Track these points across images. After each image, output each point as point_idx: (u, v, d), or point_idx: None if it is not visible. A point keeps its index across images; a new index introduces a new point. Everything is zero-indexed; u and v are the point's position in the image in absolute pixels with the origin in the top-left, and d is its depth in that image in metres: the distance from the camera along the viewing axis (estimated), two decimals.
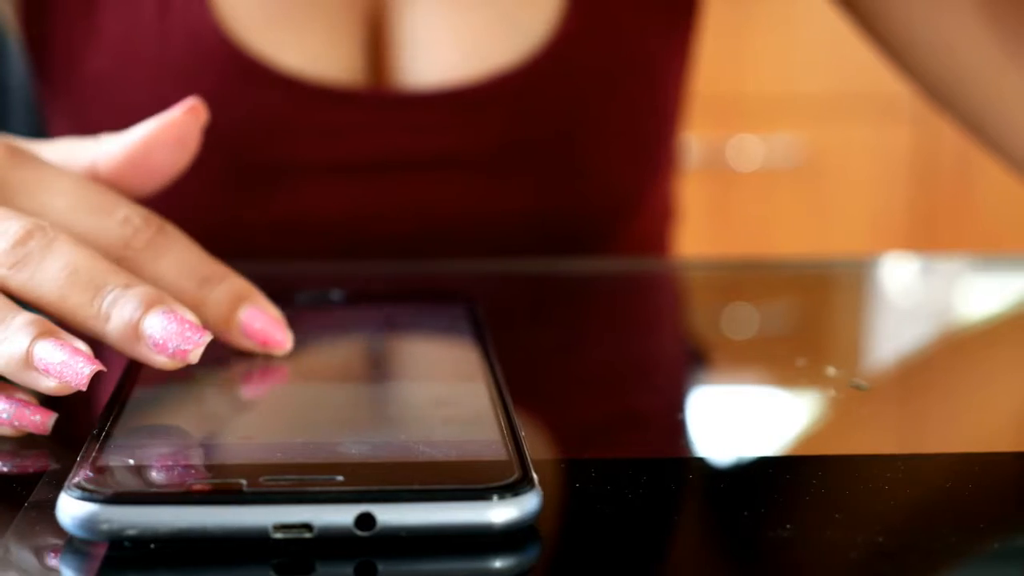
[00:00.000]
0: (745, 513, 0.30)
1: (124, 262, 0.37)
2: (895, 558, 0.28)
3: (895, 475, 0.33)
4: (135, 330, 0.33)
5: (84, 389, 0.32)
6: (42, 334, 0.32)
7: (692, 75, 0.70)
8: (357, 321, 0.43)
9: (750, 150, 1.72)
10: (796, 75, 1.72)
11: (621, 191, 0.67)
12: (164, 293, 0.34)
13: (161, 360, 0.34)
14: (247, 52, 0.60)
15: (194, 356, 0.33)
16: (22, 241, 0.34)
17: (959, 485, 0.33)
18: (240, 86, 0.60)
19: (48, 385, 0.32)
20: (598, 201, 0.66)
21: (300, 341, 0.40)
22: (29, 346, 0.32)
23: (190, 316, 0.34)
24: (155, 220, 0.38)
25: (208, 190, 0.60)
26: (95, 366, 0.32)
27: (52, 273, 0.34)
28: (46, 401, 0.34)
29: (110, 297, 0.34)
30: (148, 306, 0.33)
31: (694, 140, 1.68)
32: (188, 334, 0.33)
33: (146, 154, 0.40)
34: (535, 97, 0.62)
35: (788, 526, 0.30)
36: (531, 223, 0.65)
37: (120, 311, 0.33)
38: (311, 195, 0.62)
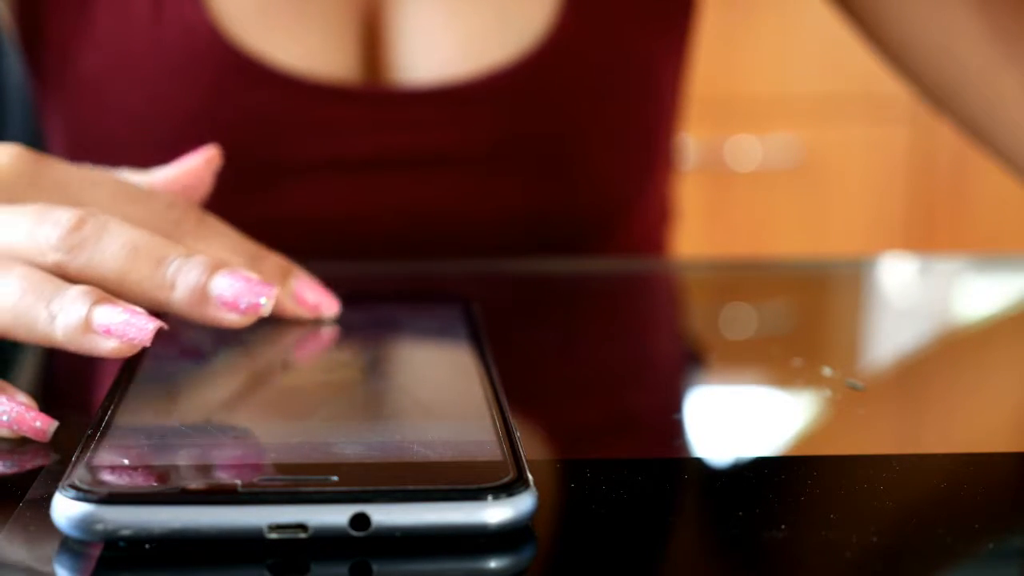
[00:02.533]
0: (740, 513, 0.30)
1: (178, 243, 0.38)
2: (890, 558, 0.28)
3: (891, 475, 0.33)
4: (203, 293, 0.35)
5: (148, 345, 0.33)
6: (99, 300, 0.33)
7: (689, 75, 0.70)
8: (352, 321, 0.43)
9: (747, 150, 1.72)
10: (793, 75, 1.72)
11: (617, 191, 0.67)
12: (224, 258, 0.36)
13: (232, 318, 0.35)
14: (241, 50, 0.60)
15: (266, 309, 0.35)
16: (76, 227, 0.35)
17: (955, 485, 0.33)
18: (234, 84, 0.60)
19: (109, 346, 0.33)
20: (594, 200, 0.66)
21: (296, 341, 0.40)
22: (88, 312, 0.33)
23: (253, 274, 0.35)
24: (195, 206, 0.40)
25: None
26: (157, 322, 0.33)
27: (112, 252, 0.35)
28: (45, 408, 0.34)
29: (173, 266, 0.35)
30: (212, 270, 0.35)
31: (691, 140, 1.68)
32: (257, 288, 0.35)
33: None
34: (531, 95, 0.62)
35: (783, 526, 0.30)
36: (527, 222, 0.65)
37: (185, 277, 0.35)
38: (306, 193, 0.62)
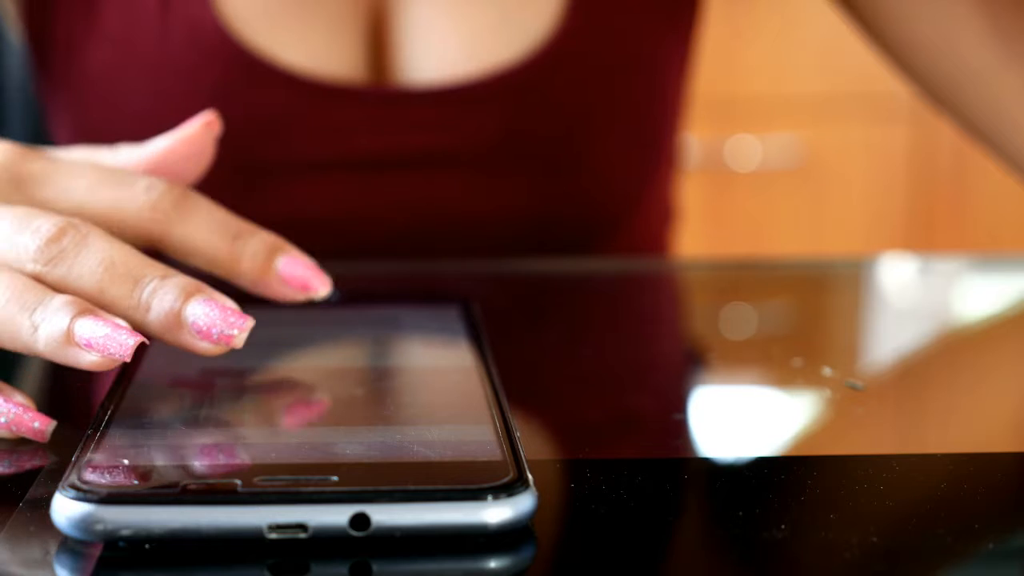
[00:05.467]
0: (740, 513, 0.30)
1: (155, 226, 0.37)
2: (890, 558, 0.28)
3: (890, 475, 0.33)
4: (177, 318, 0.34)
5: (128, 360, 0.33)
6: (81, 312, 0.33)
7: (693, 74, 0.70)
8: (352, 321, 0.43)
9: (748, 150, 1.72)
10: (794, 75, 1.72)
11: (621, 190, 0.67)
12: (202, 283, 0.35)
13: (204, 346, 0.34)
14: (248, 49, 0.60)
15: (239, 340, 0.34)
16: (55, 238, 0.34)
17: (954, 485, 0.33)
18: (241, 83, 0.60)
19: (90, 360, 0.33)
20: (598, 200, 0.66)
21: (295, 341, 0.40)
22: (70, 323, 0.33)
23: (230, 303, 0.34)
24: (178, 185, 0.38)
25: (207, 185, 0.61)
26: (138, 338, 0.33)
27: (89, 267, 0.34)
28: (44, 408, 0.34)
29: (149, 287, 0.34)
30: (188, 295, 0.34)
31: (692, 140, 1.68)
32: (232, 319, 0.34)
33: (163, 167, 0.40)
34: (535, 94, 0.62)
35: (783, 526, 0.30)
36: (530, 222, 0.65)
37: (160, 300, 0.34)
38: (311, 192, 0.62)
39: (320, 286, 0.39)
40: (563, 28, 0.62)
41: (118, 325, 0.33)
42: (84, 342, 0.33)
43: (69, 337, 0.33)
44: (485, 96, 0.61)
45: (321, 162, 0.62)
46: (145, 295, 0.34)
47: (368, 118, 0.61)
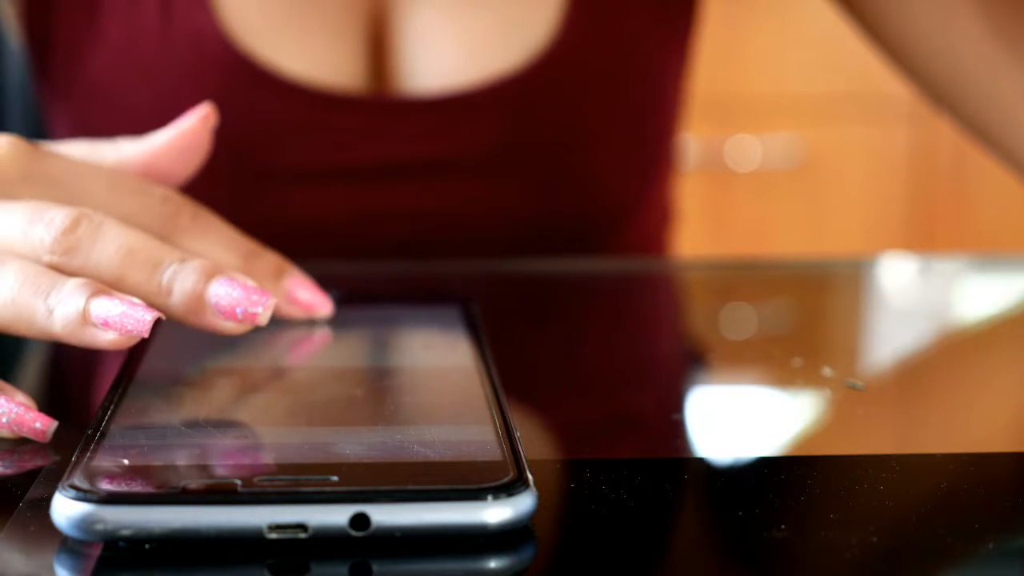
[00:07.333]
0: (740, 513, 0.30)
1: (169, 239, 0.38)
2: (890, 558, 0.28)
3: (890, 475, 0.33)
4: (200, 299, 0.34)
5: (146, 336, 0.33)
6: (96, 292, 0.33)
7: (691, 77, 0.70)
8: (353, 321, 0.43)
9: (748, 150, 1.72)
10: (793, 75, 1.72)
11: (621, 194, 0.67)
12: (219, 264, 0.35)
13: (229, 326, 0.35)
14: (250, 57, 0.60)
15: (263, 318, 0.35)
16: (71, 228, 0.35)
17: (954, 485, 0.33)
18: (242, 91, 0.60)
19: (107, 339, 0.33)
20: (598, 204, 0.66)
21: (295, 341, 0.40)
22: (85, 304, 0.33)
23: (251, 282, 0.35)
24: (190, 200, 0.39)
25: (208, 192, 0.61)
26: (155, 313, 0.33)
27: (107, 255, 0.35)
28: (45, 408, 0.34)
29: (169, 271, 0.35)
30: (209, 276, 0.35)
31: (692, 140, 1.68)
32: (254, 297, 0.35)
33: (161, 161, 0.41)
34: (535, 101, 0.62)
35: (783, 526, 0.30)
36: (531, 226, 0.65)
37: (182, 283, 0.35)
38: (311, 199, 0.62)
39: (322, 308, 0.41)
40: (562, 36, 0.62)
41: (133, 303, 0.33)
42: (100, 321, 0.33)
43: (85, 317, 0.33)
44: (484, 104, 0.61)
45: (321, 170, 0.62)
46: (166, 279, 0.35)
47: (368, 126, 0.61)
